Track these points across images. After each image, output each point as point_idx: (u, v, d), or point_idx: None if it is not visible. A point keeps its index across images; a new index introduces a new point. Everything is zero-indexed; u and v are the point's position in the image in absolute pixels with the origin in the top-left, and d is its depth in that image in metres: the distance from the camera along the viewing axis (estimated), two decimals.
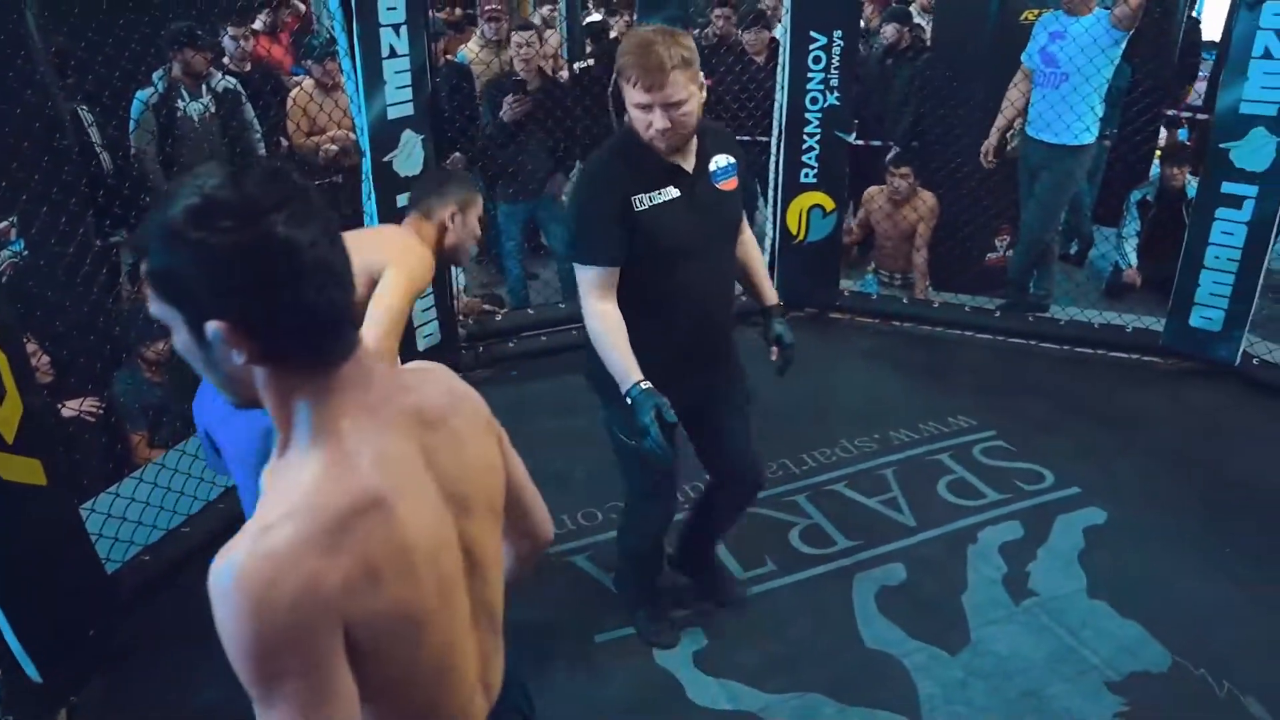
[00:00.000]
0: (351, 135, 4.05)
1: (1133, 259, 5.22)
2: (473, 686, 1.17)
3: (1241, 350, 4.15)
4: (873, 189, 5.09)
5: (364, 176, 3.65)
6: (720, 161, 2.27)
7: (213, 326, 0.91)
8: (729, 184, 2.29)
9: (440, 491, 1.07)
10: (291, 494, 0.94)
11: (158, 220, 0.91)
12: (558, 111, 4.75)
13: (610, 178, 2.19)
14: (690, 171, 2.22)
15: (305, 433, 0.97)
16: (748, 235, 2.49)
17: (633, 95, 2.07)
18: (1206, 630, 2.77)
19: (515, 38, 4.73)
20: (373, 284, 2.18)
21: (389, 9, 3.44)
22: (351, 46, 3.42)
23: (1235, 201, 3.97)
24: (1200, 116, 5.87)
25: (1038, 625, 2.80)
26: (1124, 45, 4.25)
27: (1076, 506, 3.34)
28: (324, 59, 4.48)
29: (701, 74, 2.11)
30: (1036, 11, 4.70)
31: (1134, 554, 3.09)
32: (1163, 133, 6.27)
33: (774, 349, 2.53)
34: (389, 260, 2.23)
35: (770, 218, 4.79)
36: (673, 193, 2.20)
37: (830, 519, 3.28)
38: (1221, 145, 3.95)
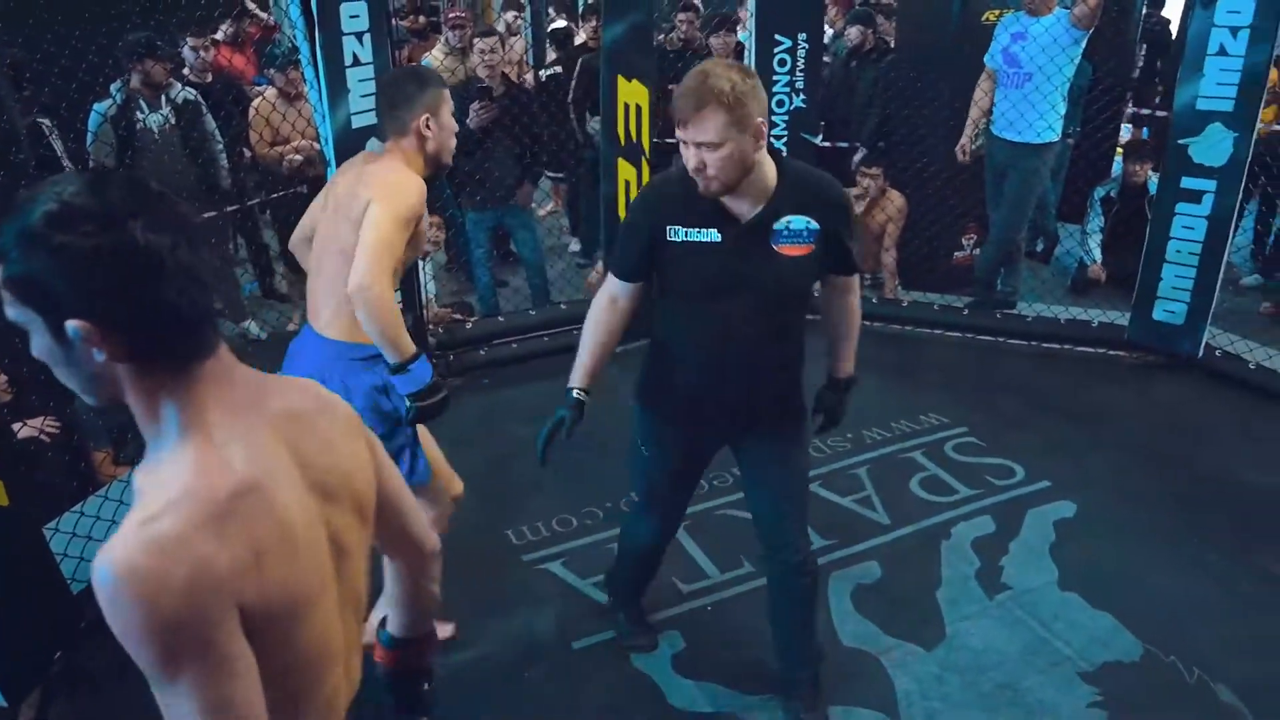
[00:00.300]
0: (316, 145, 4.03)
1: (1097, 255, 5.30)
2: (340, 674, 1.19)
3: (1204, 343, 4.23)
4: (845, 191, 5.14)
5: (328, 180, 3.62)
6: (791, 222, 2.01)
7: (74, 325, 0.93)
8: (793, 249, 2.02)
9: (305, 481, 1.10)
10: (169, 486, 0.96)
11: (14, 227, 0.93)
12: (524, 118, 4.75)
13: (653, 201, 2.11)
14: (741, 220, 2.02)
15: (174, 429, 1.00)
16: (848, 302, 2.25)
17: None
18: (1176, 619, 2.82)
19: (478, 44, 4.72)
20: (359, 222, 2.17)
21: (351, 17, 3.42)
22: (314, 55, 3.40)
23: (1195, 196, 4.05)
24: (1160, 114, 5.97)
25: (1011, 618, 2.84)
26: (1084, 44, 4.32)
27: (1047, 500, 3.39)
28: (286, 68, 4.46)
29: (759, 121, 1.89)
30: (998, 12, 4.77)
31: (1104, 546, 3.14)
32: (1126, 130, 6.38)
33: (818, 414, 2.40)
34: (372, 197, 2.18)
35: None
36: (713, 235, 2.02)
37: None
38: (1180, 141, 4.03)
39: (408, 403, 2.26)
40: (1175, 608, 2.87)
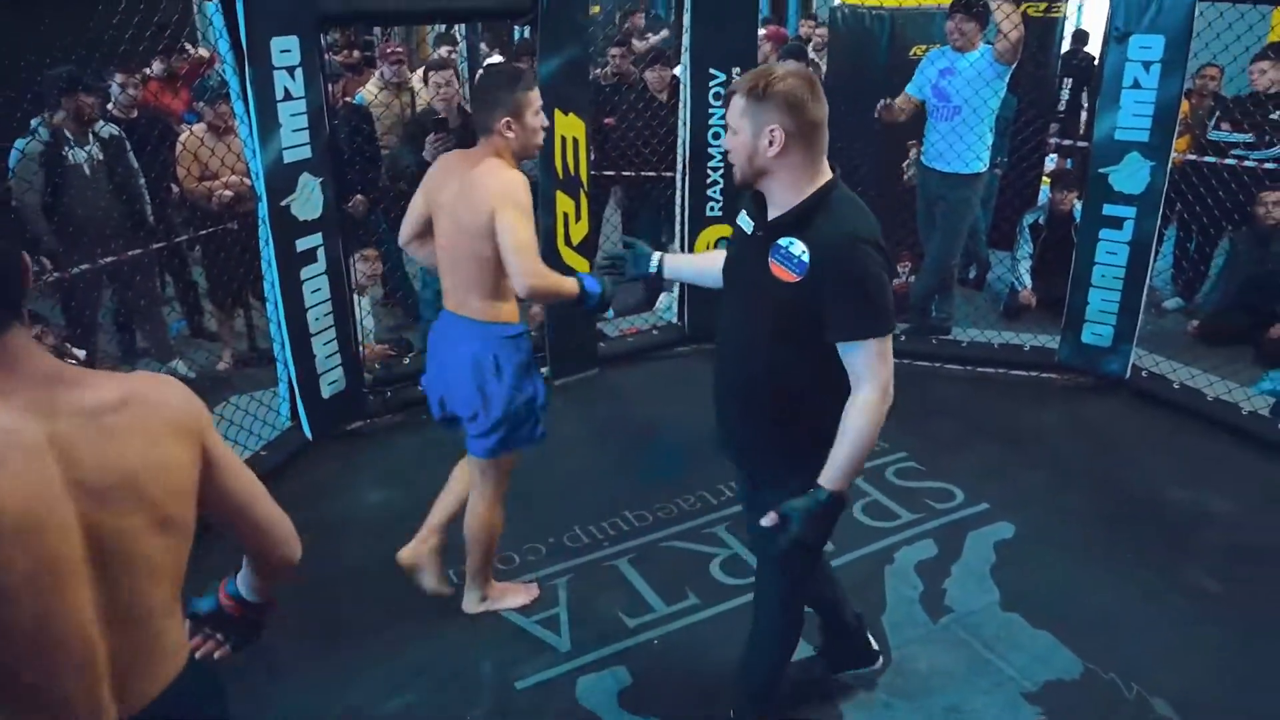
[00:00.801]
0: (246, 180, 3.98)
1: (1027, 280, 5.47)
2: (98, 683, 1.17)
3: (1131, 364, 4.38)
4: None
5: (260, 221, 3.58)
6: (791, 246, 1.94)
7: None
8: (782, 272, 1.95)
9: (64, 478, 1.10)
10: None
11: None
12: None
13: None
14: (759, 225, 2.03)
15: None
16: (858, 398, 1.96)
17: None
18: (1114, 636, 2.88)
19: (434, 77, 4.76)
20: (491, 232, 2.46)
21: (283, 51, 3.40)
22: (244, 89, 3.37)
23: (1116, 223, 4.21)
24: (1081, 144, 6.20)
25: (955, 641, 2.88)
26: (1007, 78, 4.49)
27: (986, 522, 3.45)
28: (216, 102, 4.40)
29: (771, 129, 1.87)
30: (924, 47, 4.94)
31: (1042, 566, 3.21)
32: (1051, 159, 6.60)
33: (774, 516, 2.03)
34: (492, 207, 2.45)
35: (679, 251, 4.87)
36: (748, 226, 2.06)
37: (750, 548, 3.29)
38: (1101, 170, 4.19)
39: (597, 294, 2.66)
40: (1112, 624, 2.94)
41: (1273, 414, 4.15)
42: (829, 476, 1.97)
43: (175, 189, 4.77)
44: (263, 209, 3.54)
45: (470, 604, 3.00)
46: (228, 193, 4.46)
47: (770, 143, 1.89)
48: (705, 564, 3.23)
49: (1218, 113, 5.69)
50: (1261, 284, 5.01)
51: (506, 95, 2.51)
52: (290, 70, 3.44)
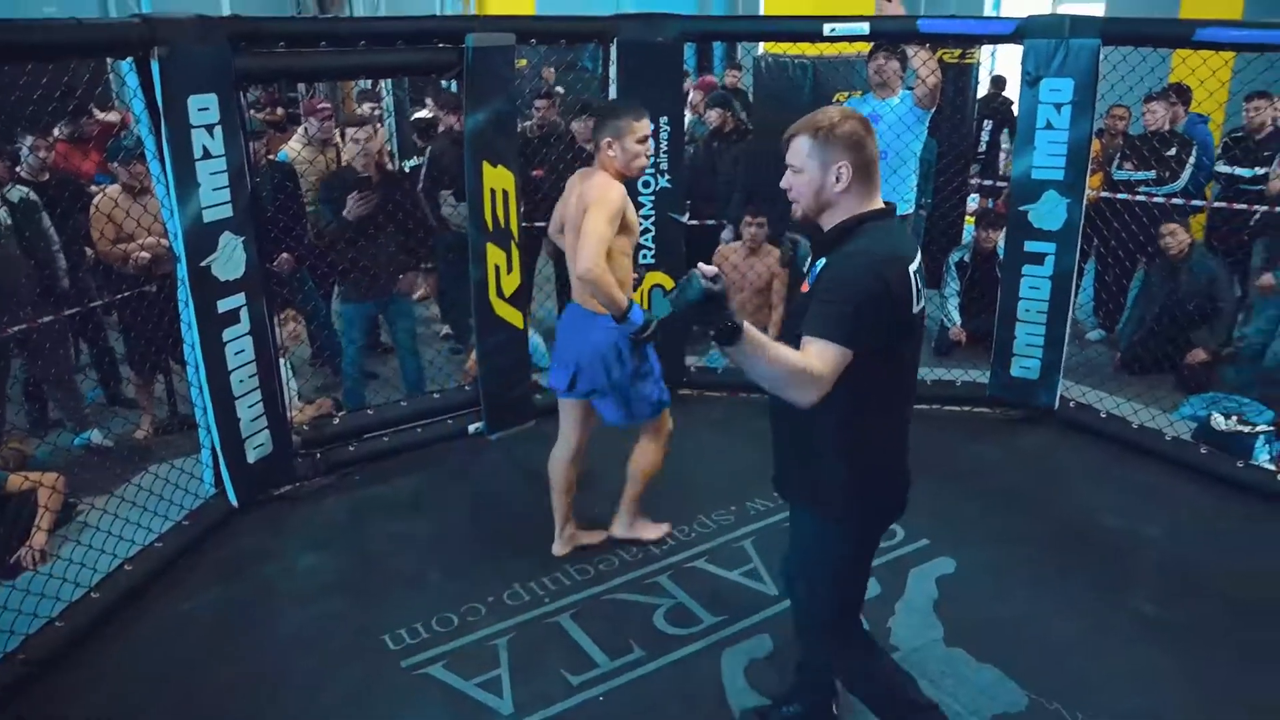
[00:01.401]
0: (164, 241, 3.91)
1: (956, 318, 5.61)
2: None
3: (1059, 395, 4.50)
4: (723, 247, 5.26)
5: (180, 282, 3.51)
6: (817, 264, 2.12)
7: None
8: (805, 286, 2.15)
9: None
10: None
11: None
12: (407, 204, 4.77)
13: None
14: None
15: None
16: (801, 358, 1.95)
17: None
18: (1057, 665, 2.92)
19: (351, 133, 4.73)
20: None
21: (200, 110, 3.36)
22: (160, 149, 3.33)
23: (1037, 258, 4.36)
24: (1000, 184, 6.43)
25: None
26: (927, 122, 4.64)
27: (927, 558, 3.49)
28: (130, 162, 4.33)
29: (839, 166, 2.02)
30: (846, 93, 5.09)
31: (983, 599, 3.25)
32: (974, 199, 6.84)
33: None
34: (586, 205, 3.00)
35: None
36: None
37: (694, 597, 3.29)
38: (1020, 208, 4.34)
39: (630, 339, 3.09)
40: (1053, 653, 2.98)
41: (1194, 438, 4.30)
42: (748, 330, 1.86)
43: (90, 252, 4.65)
44: (182, 270, 3.48)
45: (619, 528, 3.58)
46: (145, 255, 4.37)
47: (838, 179, 2.05)
48: (649, 615, 3.20)
49: (1126, 150, 5.96)
50: (1174, 313, 5.21)
51: (614, 122, 3.08)
52: (209, 128, 3.41)
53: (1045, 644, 3.02)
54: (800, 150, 2.08)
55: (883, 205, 2.11)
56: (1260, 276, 5.23)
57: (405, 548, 3.61)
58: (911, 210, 4.82)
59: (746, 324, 1.88)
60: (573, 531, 3.55)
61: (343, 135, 4.97)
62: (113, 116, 6.63)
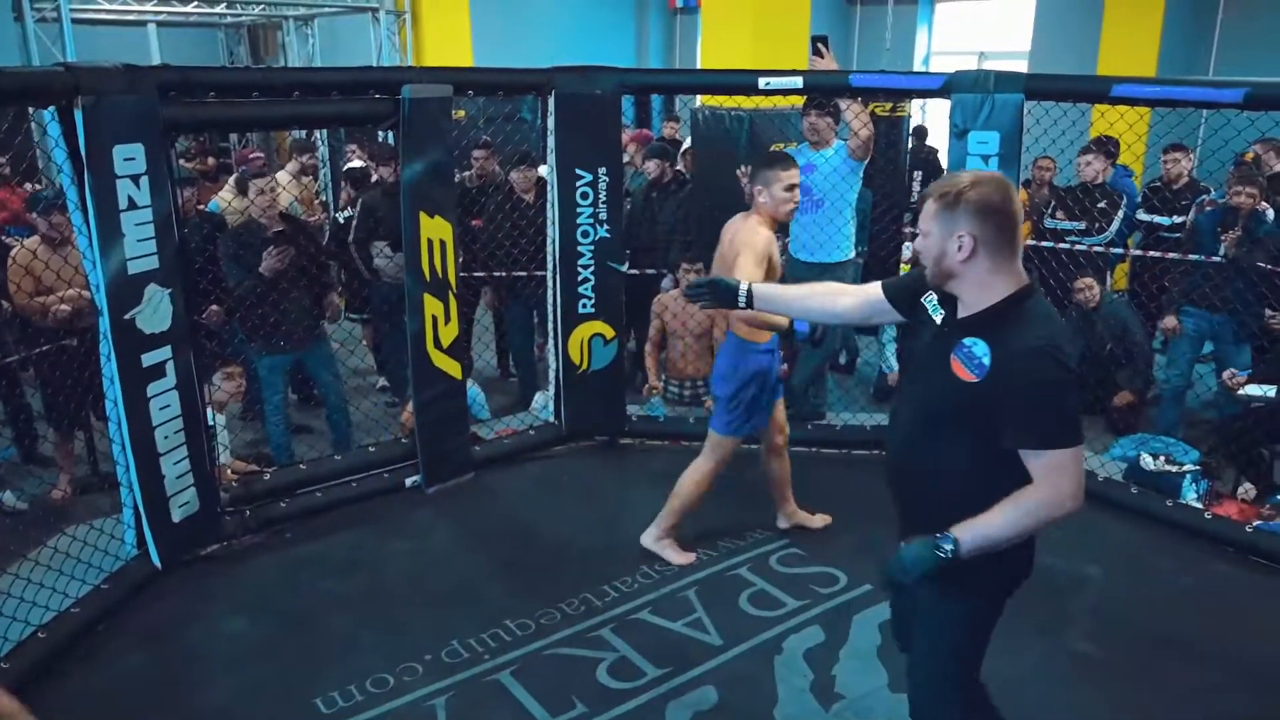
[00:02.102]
0: (85, 294, 3.81)
1: (894, 364, 5.71)
2: None
3: None
4: (662, 296, 5.28)
5: (102, 336, 3.42)
6: (974, 347, 1.99)
7: None
8: (960, 370, 2.01)
9: None
10: None
11: None
12: (321, 257, 4.72)
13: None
14: (947, 320, 2.12)
15: None
16: (1028, 490, 1.97)
17: None
18: (1000, 707, 2.93)
19: (254, 184, 4.69)
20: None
21: (126, 160, 3.30)
22: (83, 199, 3.25)
23: None
24: None
25: None
26: (861, 172, 4.77)
27: (871, 604, 3.50)
28: (50, 212, 4.22)
29: (960, 235, 1.96)
30: (781, 145, 5.20)
31: None
32: (908, 247, 7.00)
33: None
34: (737, 250, 3.44)
35: (552, 349, 4.88)
36: (939, 314, 2.15)
37: (637, 649, 3.25)
38: None
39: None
40: (996, 695, 2.97)
41: (1125, 478, 4.41)
42: (961, 532, 2.00)
43: (6, 305, 4.51)
44: (104, 323, 3.39)
45: (647, 538, 3.83)
46: (65, 308, 4.25)
47: (959, 248, 1.97)
48: (592, 670, 3.15)
49: (1053, 202, 6.17)
50: (1092, 358, 5.40)
51: (764, 171, 3.51)
52: (135, 179, 3.34)
53: (988, 685, 3.04)
54: (928, 213, 2.03)
55: (1025, 280, 2.02)
56: (1165, 318, 5.45)
57: (339, 607, 3.52)
58: (850, 256, 4.91)
59: (962, 531, 1.97)
60: (669, 542, 3.82)
61: (244, 190, 4.89)
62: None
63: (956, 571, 2.05)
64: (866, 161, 4.75)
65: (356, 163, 6.75)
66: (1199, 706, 2.97)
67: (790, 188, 3.50)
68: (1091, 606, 3.50)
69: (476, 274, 5.63)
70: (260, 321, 4.55)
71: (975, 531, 1.99)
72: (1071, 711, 2.94)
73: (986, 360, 1.97)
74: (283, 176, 5.98)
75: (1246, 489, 4.43)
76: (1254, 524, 3.97)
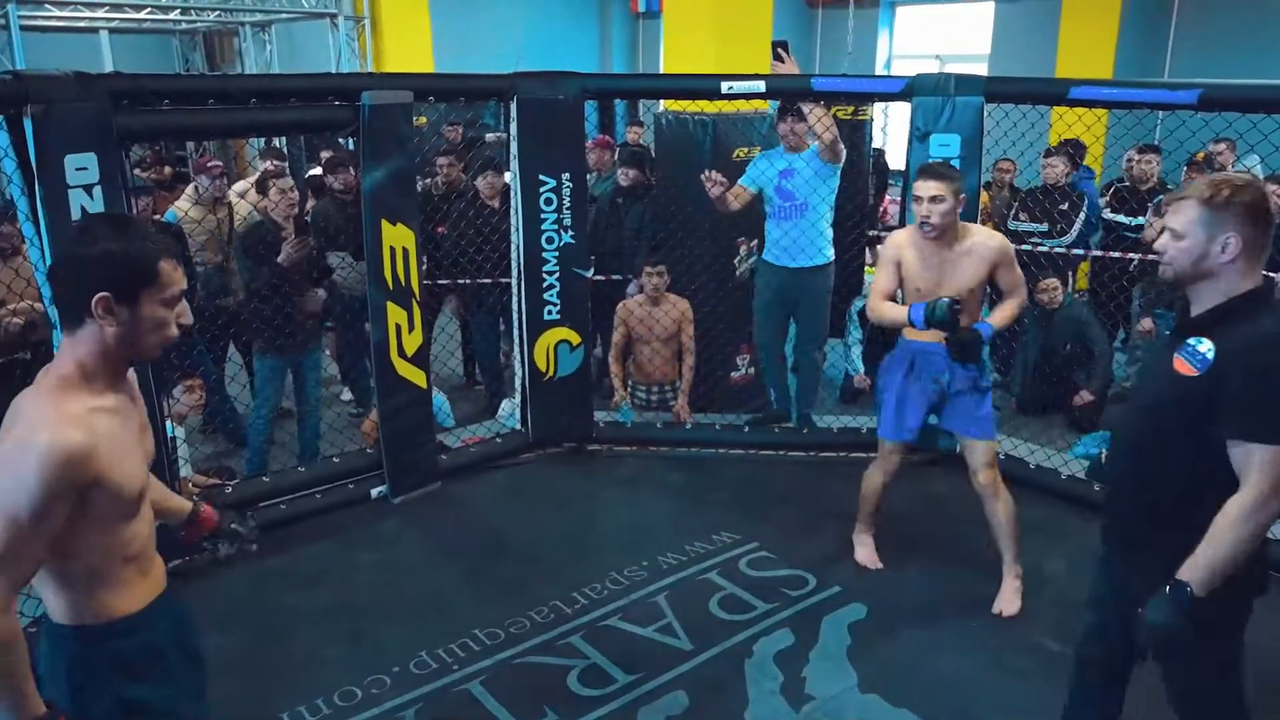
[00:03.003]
0: (39, 306, 3.75)
1: (860, 366, 5.76)
2: None
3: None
4: (627, 301, 5.27)
5: (56, 349, 3.37)
6: (1198, 344, 2.02)
7: None
8: (1183, 366, 2.03)
9: None
10: None
11: None
12: (323, 261, 4.77)
13: None
14: (1181, 319, 2.17)
15: None
16: (1236, 499, 1.97)
17: None
18: (968, 703, 2.99)
19: (276, 184, 4.77)
20: None
21: (78, 170, 3.26)
22: (34, 210, 3.21)
23: None
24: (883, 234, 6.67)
25: None
26: (838, 175, 4.81)
27: (839, 605, 3.54)
28: (0, 223, 4.16)
29: (1227, 237, 1.98)
30: (746, 149, 5.24)
31: (896, 643, 3.31)
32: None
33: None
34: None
35: (518, 356, 4.88)
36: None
37: (608, 656, 3.26)
38: None
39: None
40: (965, 692, 3.05)
41: (1088, 476, 4.47)
42: (1191, 574, 1.98)
43: None
44: (58, 336, 3.33)
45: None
46: (17, 320, 4.18)
47: (1223, 249, 1.99)
48: (561, 677, 3.15)
49: (1015, 204, 6.27)
50: (1050, 357, 5.48)
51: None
52: (88, 188, 3.30)
53: (955, 683, 3.09)
54: (1187, 215, 2.02)
55: (1261, 279, 2.04)
56: (1140, 321, 5.54)
57: (304, 620, 3.49)
58: (829, 261, 4.93)
59: (1188, 572, 1.97)
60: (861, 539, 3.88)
61: (264, 189, 4.92)
62: None
63: (1209, 622, 2.02)
64: (842, 164, 4.78)
65: (317, 170, 6.70)
66: (1160, 702, 3.01)
67: (918, 199, 3.33)
68: (1054, 603, 3.53)
69: (441, 281, 5.61)
70: (270, 319, 4.58)
71: (1199, 567, 1.98)
72: (1031, 707, 2.97)
73: (1210, 355, 1.99)
74: (241, 186, 5.93)
75: None
76: None
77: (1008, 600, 3.51)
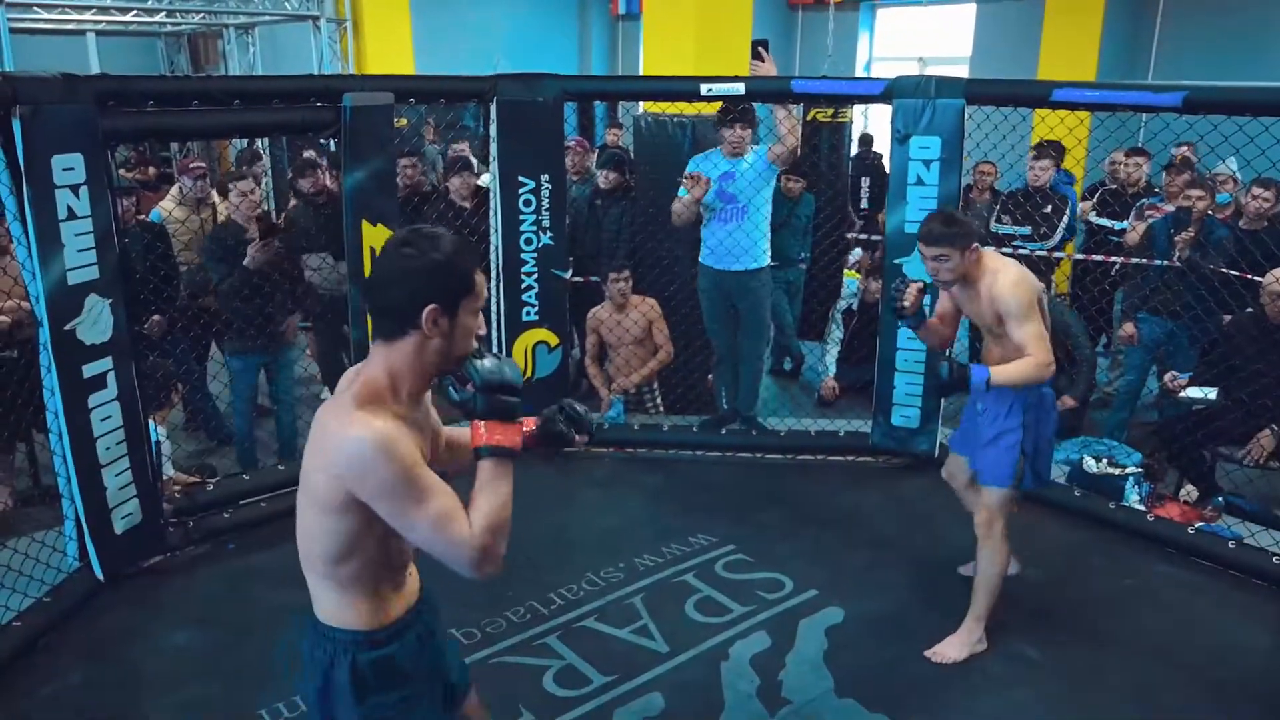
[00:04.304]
0: (25, 304, 3.80)
1: (832, 369, 5.83)
2: None
3: (938, 442, 4.73)
4: (596, 310, 5.33)
5: (42, 348, 3.42)
6: None
7: None
8: None
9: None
10: None
11: None
12: (294, 256, 4.83)
13: None
14: None
15: None
16: None
17: None
18: (942, 708, 3.07)
19: (237, 186, 4.79)
20: None
21: (65, 170, 3.31)
22: (21, 209, 3.26)
23: None
24: (874, 238, 6.76)
25: None
26: (775, 177, 4.84)
27: (816, 609, 3.61)
28: None
29: None
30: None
31: (871, 646, 3.39)
32: (857, 252, 7.14)
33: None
34: None
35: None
36: None
37: (584, 657, 3.32)
38: (895, 260, 4.58)
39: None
40: (940, 698, 3.12)
41: (1069, 481, 4.54)
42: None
43: None
44: (44, 334, 3.39)
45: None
46: (4, 319, 4.22)
47: None
48: (537, 678, 3.21)
49: (996, 207, 6.33)
50: None
51: None
52: (74, 189, 3.36)
53: (931, 688, 3.17)
54: None
55: None
56: (1122, 326, 5.61)
57: (285, 619, 3.52)
58: (764, 265, 4.92)
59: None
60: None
61: (224, 192, 4.98)
62: None
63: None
64: (780, 169, 4.81)
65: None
66: (1138, 707, 3.08)
67: (923, 256, 3.25)
68: (1031, 608, 3.60)
69: None
70: (237, 319, 4.65)
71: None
72: (1009, 714, 3.05)
73: None
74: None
75: (1188, 491, 4.51)
76: (1196, 526, 4.08)
77: (949, 645, 3.33)
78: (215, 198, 5.54)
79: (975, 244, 3.18)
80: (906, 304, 3.33)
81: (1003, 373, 3.15)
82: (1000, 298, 3.15)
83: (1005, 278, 3.16)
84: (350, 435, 1.63)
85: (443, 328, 1.71)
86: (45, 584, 3.57)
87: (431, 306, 1.67)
